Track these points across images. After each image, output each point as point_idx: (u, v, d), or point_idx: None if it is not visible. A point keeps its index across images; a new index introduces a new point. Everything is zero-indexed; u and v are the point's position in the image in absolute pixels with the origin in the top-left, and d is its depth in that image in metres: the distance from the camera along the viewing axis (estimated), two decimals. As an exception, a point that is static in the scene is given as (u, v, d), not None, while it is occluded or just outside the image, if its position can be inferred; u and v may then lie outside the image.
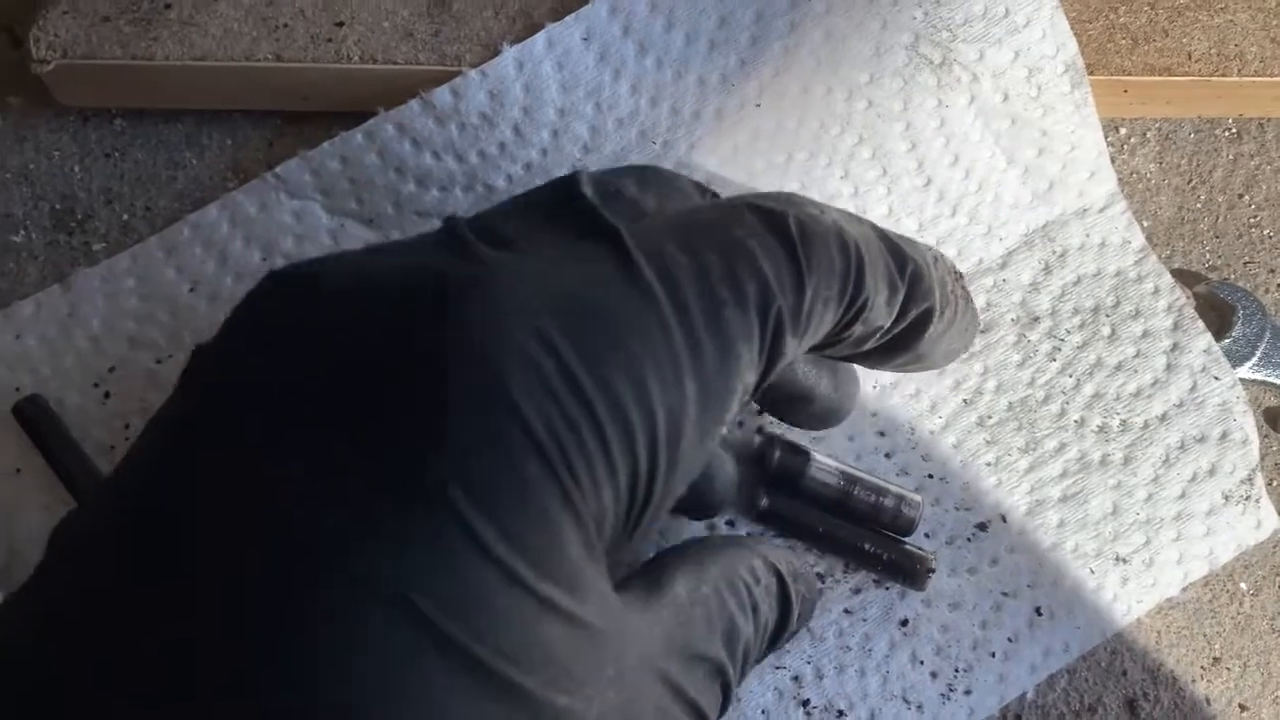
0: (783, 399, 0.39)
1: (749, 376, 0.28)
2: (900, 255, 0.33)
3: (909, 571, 0.44)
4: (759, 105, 0.45)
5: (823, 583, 0.45)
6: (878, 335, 0.33)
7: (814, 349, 0.32)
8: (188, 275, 0.45)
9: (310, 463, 0.22)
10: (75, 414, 0.44)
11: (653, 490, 0.26)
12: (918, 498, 0.45)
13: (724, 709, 0.31)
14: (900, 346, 0.35)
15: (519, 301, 0.24)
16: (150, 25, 0.43)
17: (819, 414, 0.40)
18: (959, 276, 0.38)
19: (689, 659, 0.29)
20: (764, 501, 0.44)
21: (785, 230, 0.28)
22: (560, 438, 0.23)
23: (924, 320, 0.34)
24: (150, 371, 0.44)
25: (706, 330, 0.26)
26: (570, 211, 0.28)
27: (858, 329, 0.32)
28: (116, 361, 0.44)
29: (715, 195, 0.34)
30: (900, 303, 0.32)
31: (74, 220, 0.46)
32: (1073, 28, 0.47)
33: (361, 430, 0.23)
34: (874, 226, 0.33)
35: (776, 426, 0.45)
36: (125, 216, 0.47)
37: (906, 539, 0.45)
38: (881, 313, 0.32)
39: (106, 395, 0.44)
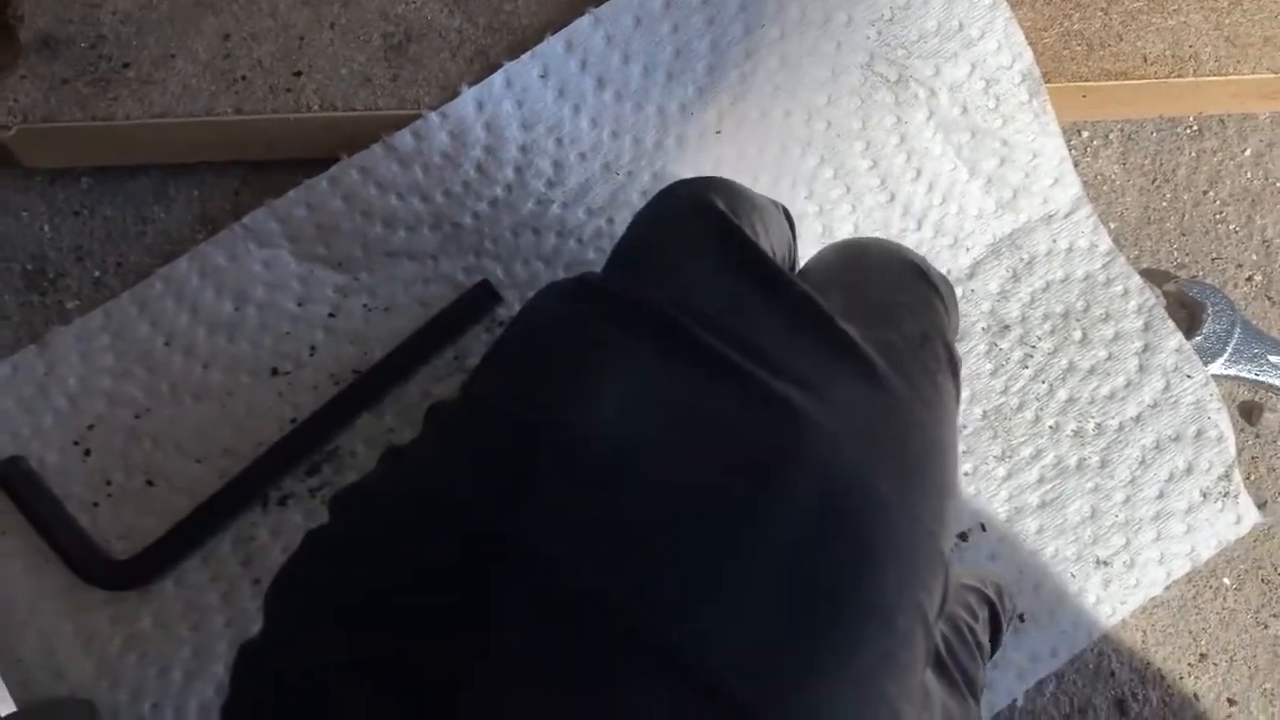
0: None
1: (955, 423, 0.30)
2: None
3: None
4: (719, 132, 0.46)
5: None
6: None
7: None
8: (162, 329, 0.45)
9: None
10: (56, 473, 0.44)
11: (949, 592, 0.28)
12: None
13: None
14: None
15: (852, 465, 0.25)
16: (109, 85, 0.43)
17: None
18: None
19: None
20: None
21: (930, 278, 0.33)
22: (913, 584, 0.25)
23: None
24: (129, 427, 0.45)
25: (939, 404, 0.29)
26: (796, 311, 0.27)
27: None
28: (95, 419, 0.45)
29: (780, 202, 0.35)
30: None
31: (46, 280, 0.47)
32: (1028, 37, 0.47)
33: None
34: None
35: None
36: (97, 273, 0.47)
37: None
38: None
39: (87, 453, 0.44)
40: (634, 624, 0.21)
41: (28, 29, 0.43)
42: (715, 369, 0.25)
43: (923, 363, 0.28)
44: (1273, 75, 0.49)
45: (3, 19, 0.43)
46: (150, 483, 0.44)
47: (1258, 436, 0.50)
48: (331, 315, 0.46)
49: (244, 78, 0.44)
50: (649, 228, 0.29)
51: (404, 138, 0.45)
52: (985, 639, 0.34)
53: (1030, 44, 0.47)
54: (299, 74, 0.44)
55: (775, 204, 0.34)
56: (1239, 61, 0.49)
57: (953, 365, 0.30)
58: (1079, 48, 0.48)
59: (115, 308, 0.45)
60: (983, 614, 0.35)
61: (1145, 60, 0.49)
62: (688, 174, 0.46)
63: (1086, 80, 0.48)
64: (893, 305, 0.30)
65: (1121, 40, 0.48)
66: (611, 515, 0.22)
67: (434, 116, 0.45)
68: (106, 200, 0.47)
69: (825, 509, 0.23)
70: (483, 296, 0.45)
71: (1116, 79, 0.48)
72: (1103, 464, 0.48)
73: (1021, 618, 0.46)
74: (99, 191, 0.47)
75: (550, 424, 0.24)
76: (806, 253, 0.48)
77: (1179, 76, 0.49)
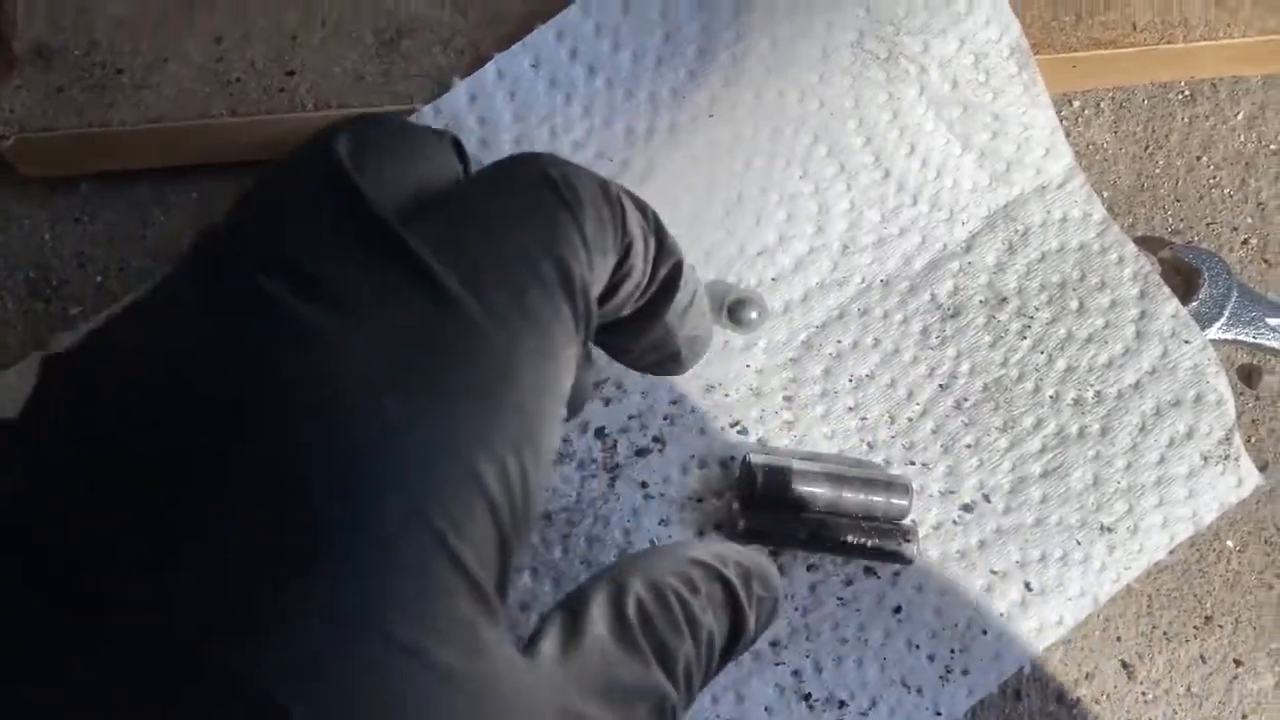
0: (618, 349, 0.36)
1: (568, 362, 0.27)
2: (643, 206, 0.32)
3: (893, 550, 0.45)
4: (712, 115, 0.46)
5: (814, 574, 0.46)
6: (637, 294, 0.32)
7: None
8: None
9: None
10: (68, 478, 0.45)
11: (518, 518, 0.25)
12: (905, 480, 0.46)
13: None
14: (653, 314, 0.33)
15: (361, 385, 0.23)
16: (104, 91, 0.43)
17: (657, 363, 0.37)
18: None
19: (617, 698, 0.28)
20: (741, 523, 0.44)
21: (557, 188, 0.27)
22: (428, 509, 0.23)
23: (673, 279, 0.32)
24: (138, 429, 0.45)
25: (526, 330, 0.25)
26: (361, 228, 0.25)
27: (625, 286, 0.30)
28: (104, 422, 0.45)
29: (449, 134, 0.31)
30: (653, 255, 0.31)
31: (49, 287, 0.47)
32: (1015, 9, 0.47)
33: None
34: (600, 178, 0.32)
35: (757, 454, 0.45)
36: (99, 279, 0.47)
37: (890, 522, 0.46)
38: (639, 262, 0.31)
39: (97, 456, 0.45)
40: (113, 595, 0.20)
41: (21, 39, 0.43)
42: (243, 302, 0.23)
43: (513, 282, 0.25)
44: (1263, 38, 0.49)
45: (-4, 29, 0.43)
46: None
47: (1257, 399, 0.51)
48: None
49: (238, 79, 0.44)
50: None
51: (398, 133, 0.45)
52: (708, 617, 0.31)
53: (1018, 16, 0.47)
54: (292, 73, 0.44)
55: (438, 133, 0.30)
56: (1229, 25, 0.49)
57: (566, 286, 0.26)
58: (1067, 18, 0.48)
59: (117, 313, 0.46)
60: (709, 589, 0.32)
61: (1134, 28, 0.49)
62: (682, 159, 0.46)
63: (1075, 50, 0.48)
64: (500, 222, 0.27)
65: (1109, 9, 0.49)
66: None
67: (427, 110, 0.45)
68: (106, 206, 0.48)
69: (312, 432, 0.22)
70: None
71: (1106, 48, 0.48)
72: (1104, 431, 0.48)
73: (1029, 587, 0.47)
74: (99, 197, 0.48)
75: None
76: (802, 238, 0.48)
77: (1169, 43, 0.49)
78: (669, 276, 0.32)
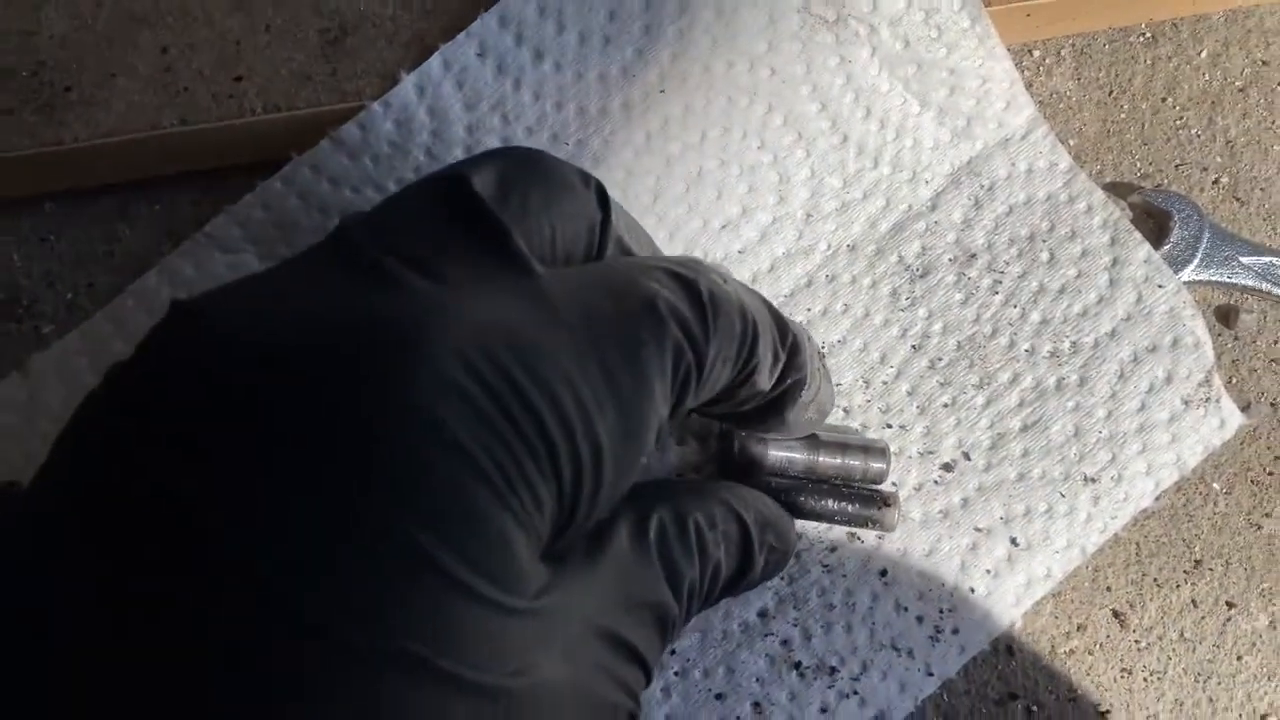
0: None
1: (663, 410, 0.30)
2: (784, 328, 0.36)
3: (873, 517, 0.45)
4: (663, 91, 0.46)
5: (798, 543, 0.46)
6: (758, 398, 0.36)
7: (706, 404, 0.35)
8: (136, 344, 0.46)
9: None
10: (51, 495, 0.45)
11: (577, 509, 0.28)
12: (882, 444, 0.46)
13: (666, 644, 0.33)
14: (773, 411, 0.38)
15: (453, 345, 0.25)
16: (54, 110, 0.43)
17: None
18: (822, 356, 0.42)
19: (630, 609, 0.31)
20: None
21: (698, 294, 0.31)
22: (504, 468, 0.25)
23: (796, 389, 0.37)
24: (116, 443, 0.45)
25: (623, 368, 0.28)
26: (478, 232, 0.29)
27: (743, 391, 0.35)
28: (82, 439, 0.45)
29: (595, 179, 0.35)
30: (780, 370, 0.36)
31: (20, 308, 0.47)
32: (964, -37, 0.47)
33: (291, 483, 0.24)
34: (763, 299, 0.36)
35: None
36: (69, 295, 0.48)
37: (871, 488, 0.46)
38: (765, 377, 0.35)
39: (78, 472, 0.45)
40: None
41: (-32, 63, 0.44)
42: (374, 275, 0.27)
43: (623, 324, 0.29)
44: (1218, -26, 0.49)
45: (-57, 56, 0.43)
46: (143, 495, 0.45)
47: (1236, 339, 0.50)
48: (302, 313, 0.46)
49: (186, 89, 0.44)
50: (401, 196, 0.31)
51: (351, 131, 0.45)
52: (719, 551, 0.35)
53: (967, -31, 0.46)
54: (240, 79, 0.44)
55: (584, 177, 0.33)
56: (1182, -37, 0.49)
57: (678, 356, 0.30)
58: (1017, -33, 0.48)
59: (90, 328, 0.46)
60: (726, 528, 0.36)
61: (1087, -28, 0.48)
62: (637, 137, 0.46)
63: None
64: (628, 285, 0.30)
65: (1060, -45, 0.48)
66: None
67: (377, 107, 0.45)
68: (71, 224, 0.48)
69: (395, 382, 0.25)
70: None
71: (1059, -5, 0.48)
72: (1082, 382, 0.48)
73: (1015, 542, 0.47)
74: (63, 216, 0.48)
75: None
76: (768, 206, 0.48)
77: (1123, -14, 0.48)
78: (792, 387, 0.37)
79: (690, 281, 0.31)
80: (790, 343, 0.36)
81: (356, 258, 0.27)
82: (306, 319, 0.26)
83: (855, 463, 0.45)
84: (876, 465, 0.45)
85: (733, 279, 0.35)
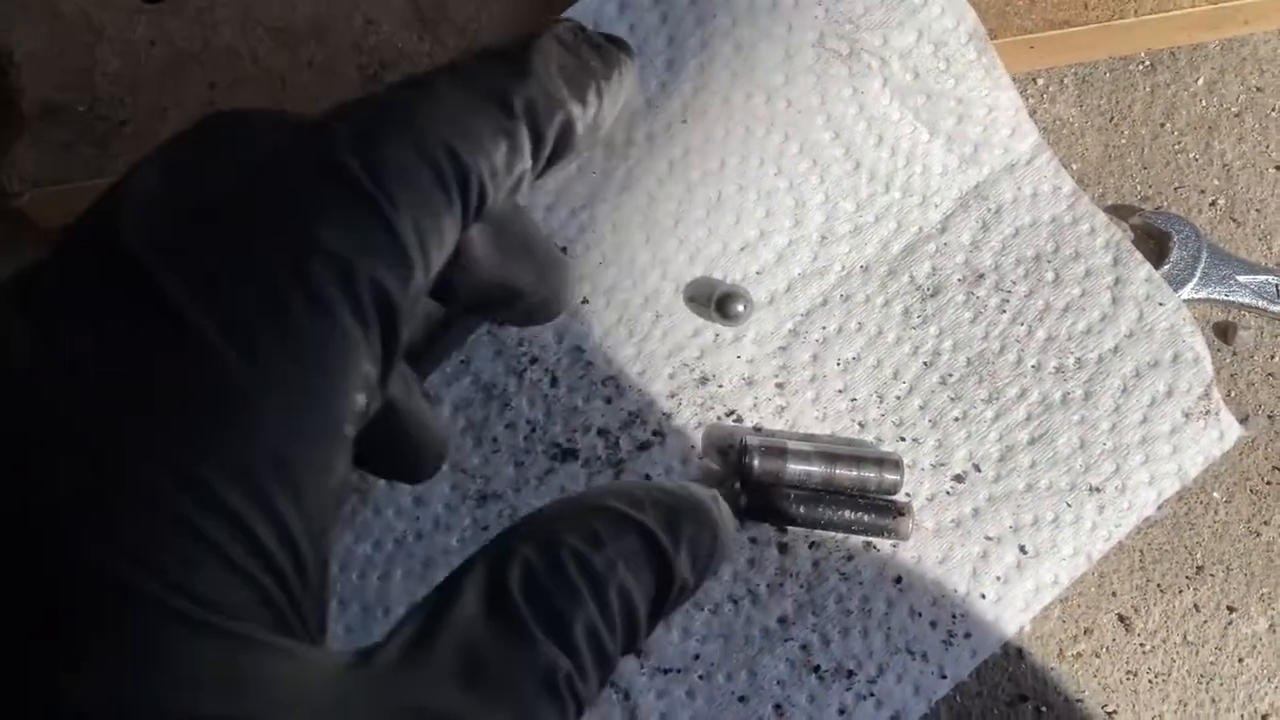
0: (477, 301, 0.31)
1: (364, 367, 0.23)
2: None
3: (888, 526, 0.47)
4: (685, 121, 0.48)
5: (816, 551, 0.48)
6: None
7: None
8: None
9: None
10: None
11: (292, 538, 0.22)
12: (895, 456, 0.48)
13: (576, 704, 0.25)
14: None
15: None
16: (109, 143, 0.46)
17: (525, 312, 0.32)
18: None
19: (484, 682, 0.24)
20: (743, 500, 0.46)
21: (353, 179, 0.23)
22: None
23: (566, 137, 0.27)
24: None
25: (279, 341, 0.22)
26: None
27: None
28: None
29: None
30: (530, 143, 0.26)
31: (72, 330, 0.50)
32: (970, -2, 0.49)
33: None
34: None
35: (753, 438, 0.47)
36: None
37: (886, 499, 0.48)
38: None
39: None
40: None
41: (29, 100, 0.46)
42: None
43: (266, 294, 0.22)
44: (1212, 6, 0.51)
45: (4, 93, 0.46)
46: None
47: (1234, 354, 0.53)
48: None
49: (234, 122, 0.47)
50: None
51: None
52: (617, 571, 0.26)
53: (973, 3, 0.49)
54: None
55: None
56: (1178, -3, 0.51)
57: (348, 291, 0.22)
58: (1020, 2, 0.50)
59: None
60: (618, 541, 0.27)
61: (1086, 7, 0.50)
62: (660, 165, 0.48)
63: (1031, 32, 0.50)
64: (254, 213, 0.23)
65: (1062, -11, 0.50)
66: None
67: (415, 138, 0.47)
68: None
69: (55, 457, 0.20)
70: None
71: (1060, 28, 0.50)
72: (1086, 396, 0.50)
73: (1024, 550, 0.49)
74: (112, 242, 0.50)
75: None
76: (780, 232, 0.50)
77: (1120, 18, 0.50)
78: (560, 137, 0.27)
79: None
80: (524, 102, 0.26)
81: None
82: None
83: (870, 474, 0.47)
84: (891, 476, 0.47)
85: None
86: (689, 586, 0.29)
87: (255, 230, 0.22)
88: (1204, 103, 0.55)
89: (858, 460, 0.47)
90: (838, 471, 0.47)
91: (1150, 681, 0.49)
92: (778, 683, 0.47)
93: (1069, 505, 0.49)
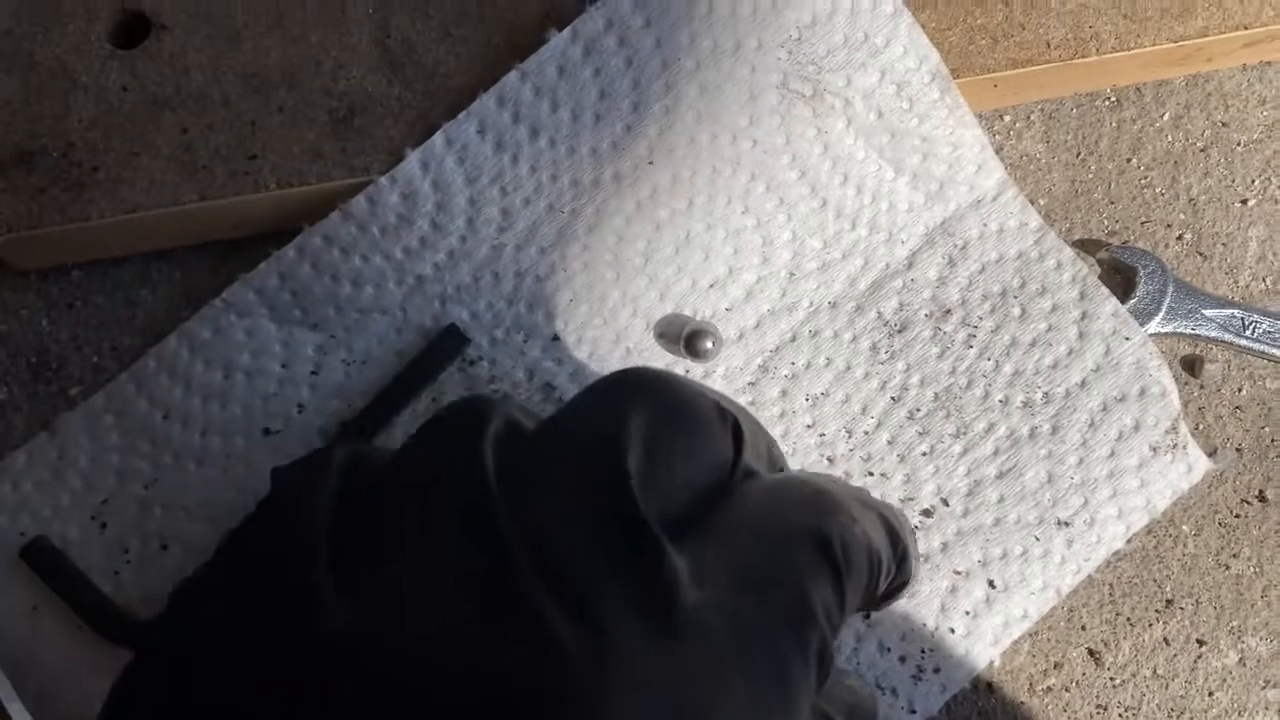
0: None
1: (805, 715, 0.30)
2: (895, 538, 0.37)
3: None
4: (651, 163, 0.49)
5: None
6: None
7: None
8: (159, 404, 0.49)
9: None
10: (78, 547, 0.48)
11: None
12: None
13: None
14: (875, 607, 0.41)
15: None
16: (83, 188, 0.46)
17: None
18: (914, 533, 0.44)
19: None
20: None
21: (833, 557, 0.32)
22: None
23: (900, 589, 0.39)
24: (140, 498, 0.48)
25: (773, 696, 0.29)
26: (632, 558, 0.28)
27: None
28: (108, 494, 0.48)
29: (730, 414, 0.34)
30: (889, 581, 0.37)
31: (49, 370, 0.50)
32: (933, 37, 0.49)
33: None
34: (879, 511, 0.37)
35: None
36: (95, 359, 0.50)
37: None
38: (880, 589, 0.36)
39: (104, 526, 0.48)
40: None
41: (3, 146, 0.47)
42: (510, 603, 0.26)
43: (775, 649, 0.29)
44: (1173, 44, 0.51)
45: (-20, 139, 0.47)
46: (165, 547, 0.48)
47: (1202, 388, 0.53)
48: (314, 373, 0.49)
49: (205, 166, 0.47)
50: (555, 443, 0.31)
51: (359, 203, 0.48)
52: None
53: (936, 44, 0.49)
54: (254, 157, 0.48)
55: (722, 415, 0.34)
56: (1139, 35, 0.51)
57: (822, 651, 0.30)
58: (983, 41, 0.51)
59: (115, 389, 0.49)
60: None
61: (1049, 45, 0.51)
62: (628, 205, 0.49)
63: (994, 71, 0.51)
64: (773, 569, 0.31)
65: (1024, 29, 0.51)
66: None
67: (384, 181, 0.48)
68: (96, 290, 0.51)
69: None
70: (451, 341, 0.48)
71: (1023, 66, 0.51)
72: (1054, 430, 0.50)
73: (992, 584, 0.49)
74: (89, 283, 0.51)
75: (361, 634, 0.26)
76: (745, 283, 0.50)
77: (1082, 57, 0.51)
78: (897, 588, 0.39)
79: (826, 544, 0.32)
80: (900, 550, 0.37)
81: (518, 596, 0.27)
82: (465, 678, 0.26)
83: None
84: None
85: (854, 503, 0.35)
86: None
87: (781, 593, 0.30)
88: (1170, 138, 0.55)
89: None
90: None
91: (1120, 715, 0.49)
92: (747, 719, 0.47)
93: (1037, 539, 0.49)
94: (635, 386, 0.32)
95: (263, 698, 0.26)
